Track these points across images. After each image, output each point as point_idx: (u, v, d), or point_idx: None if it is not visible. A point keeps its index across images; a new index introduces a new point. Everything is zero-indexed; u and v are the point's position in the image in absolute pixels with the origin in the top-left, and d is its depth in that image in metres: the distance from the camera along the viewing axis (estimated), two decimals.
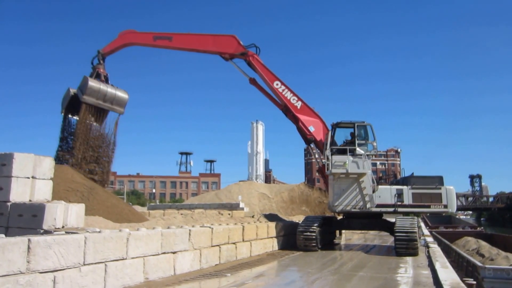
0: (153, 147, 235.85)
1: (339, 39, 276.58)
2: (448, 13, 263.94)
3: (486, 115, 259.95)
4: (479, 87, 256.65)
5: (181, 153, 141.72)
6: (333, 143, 17.10)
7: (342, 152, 16.81)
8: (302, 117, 18.53)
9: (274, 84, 18.68)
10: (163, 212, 23.12)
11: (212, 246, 11.58)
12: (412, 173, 17.85)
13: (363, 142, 17.09)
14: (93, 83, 18.06)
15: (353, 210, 16.61)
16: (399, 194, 16.67)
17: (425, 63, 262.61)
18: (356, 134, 17.09)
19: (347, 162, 16.28)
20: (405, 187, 16.80)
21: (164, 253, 9.62)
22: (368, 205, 16.45)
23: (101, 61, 19.41)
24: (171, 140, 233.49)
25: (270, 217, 19.47)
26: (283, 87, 18.69)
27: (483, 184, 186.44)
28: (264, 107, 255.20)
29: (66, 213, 9.58)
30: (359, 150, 16.76)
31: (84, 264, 7.40)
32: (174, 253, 9.97)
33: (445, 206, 16.69)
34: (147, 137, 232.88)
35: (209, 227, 11.69)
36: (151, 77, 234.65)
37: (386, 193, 16.68)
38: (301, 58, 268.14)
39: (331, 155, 16.58)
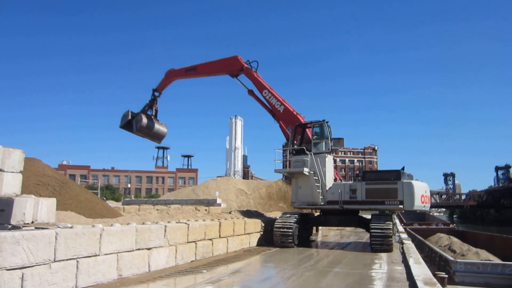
0: (129, 141, 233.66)
1: (318, 35, 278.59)
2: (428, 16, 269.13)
3: (462, 115, 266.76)
4: (456, 88, 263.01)
5: (158, 148, 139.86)
6: (293, 143, 17.99)
7: (300, 152, 17.63)
8: (283, 120, 19.38)
9: (263, 93, 19.97)
10: (138, 207, 22.78)
11: (188, 242, 11.43)
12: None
13: (319, 141, 17.62)
14: (145, 122, 22.30)
15: (306, 206, 17.54)
16: (353, 190, 16.44)
17: (404, 62, 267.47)
18: (313, 133, 17.82)
19: (303, 161, 17.05)
20: (359, 183, 16.71)
21: (138, 249, 9.42)
22: (321, 202, 16.91)
23: (155, 97, 23.21)
24: None
25: (248, 213, 19.43)
26: (269, 94, 19.73)
27: (456, 182, 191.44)
28: (243, 103, 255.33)
29: (36, 208, 9.23)
30: (316, 149, 17.42)
31: (55, 261, 7.16)
32: (149, 249, 9.78)
33: (401, 202, 15.39)
34: (122, 131, 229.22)
35: (185, 223, 11.53)
36: (128, 70, 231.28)
37: (338, 190, 16.79)
38: (276, 53, 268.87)
39: (290, 154, 17.68)
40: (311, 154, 17.21)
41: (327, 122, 17.53)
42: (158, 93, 23.31)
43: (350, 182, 17.21)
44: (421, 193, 15.60)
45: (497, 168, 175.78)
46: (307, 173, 16.84)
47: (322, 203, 16.96)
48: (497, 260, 20.88)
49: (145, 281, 8.76)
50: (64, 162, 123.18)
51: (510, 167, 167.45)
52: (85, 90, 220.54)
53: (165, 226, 10.51)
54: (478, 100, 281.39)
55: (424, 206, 15.92)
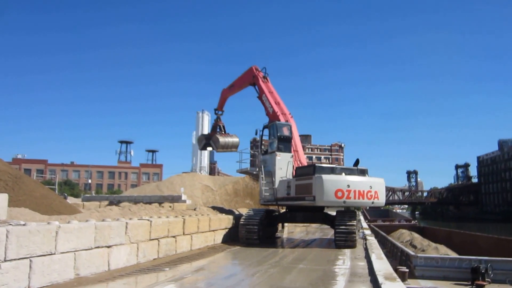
0: (90, 134, 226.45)
1: (284, 30, 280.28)
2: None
3: (424, 115, 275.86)
4: (418, 89, 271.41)
5: (121, 142, 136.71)
6: (261, 143, 19.36)
7: (266, 152, 18.84)
8: (271, 121, 19.95)
9: (262, 97, 21.06)
10: (99, 204, 22.08)
11: (150, 239, 11.13)
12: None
13: (271, 141, 18.49)
14: (222, 140, 24.50)
15: (263, 203, 18.32)
16: (289, 187, 16.78)
17: (367, 65, 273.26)
18: (269, 134, 18.74)
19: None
20: (293, 179, 16.94)
21: (98, 247, 9.07)
22: (269, 198, 17.54)
23: (218, 115, 25.72)
24: (110, 127, 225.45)
25: (213, 210, 19.28)
26: (265, 99, 20.74)
27: (419, 179, 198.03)
28: (211, 98, 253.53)
29: None
30: (270, 149, 18.43)
31: (5, 260, 6.75)
32: (109, 247, 9.43)
33: (314, 198, 15.19)
34: (83, 122, 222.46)
35: (148, 220, 11.22)
36: (90, 57, 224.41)
37: (281, 186, 17.23)
38: (241, 48, 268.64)
39: (259, 154, 18.67)
40: (261, 153, 18.51)
41: (275, 122, 18.36)
42: (220, 111, 25.83)
43: (289, 178, 17.37)
44: (337, 188, 14.98)
45: (457, 166, 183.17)
46: (254, 172, 17.57)
47: (269, 200, 17.59)
48: (454, 255, 21.67)
49: (104, 280, 8.44)
50: (19, 156, 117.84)
51: (469, 165, 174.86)
52: (41, 74, 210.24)
53: (127, 223, 10.17)
54: (440, 98, 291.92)
55: (344, 202, 15.14)
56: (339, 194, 15.02)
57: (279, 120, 18.90)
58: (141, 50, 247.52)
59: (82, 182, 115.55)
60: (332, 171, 15.99)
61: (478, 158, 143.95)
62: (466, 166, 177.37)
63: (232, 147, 25.51)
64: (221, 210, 20.69)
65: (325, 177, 15.14)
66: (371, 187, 15.57)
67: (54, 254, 7.82)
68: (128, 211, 14.18)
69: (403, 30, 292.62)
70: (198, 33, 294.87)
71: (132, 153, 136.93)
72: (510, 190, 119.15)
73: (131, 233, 10.24)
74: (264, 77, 21.61)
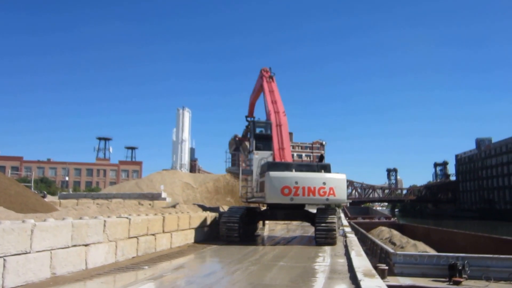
0: (67, 130, 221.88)
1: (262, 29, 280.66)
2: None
3: (403, 114, 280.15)
4: (399, 89, 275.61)
5: (99, 138, 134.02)
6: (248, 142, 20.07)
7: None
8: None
9: (264, 97, 21.12)
10: (76, 201, 21.66)
11: (129, 237, 10.98)
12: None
13: (252, 140, 18.82)
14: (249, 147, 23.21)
15: (243, 201, 18.60)
16: (257, 185, 17.18)
17: (347, 62, 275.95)
18: (249, 133, 19.23)
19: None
20: (258, 176, 17.22)
21: (75, 245, 8.89)
22: (248, 196, 17.89)
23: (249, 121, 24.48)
24: (88, 124, 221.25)
25: (194, 208, 19.15)
26: (265, 98, 20.93)
27: (398, 177, 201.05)
28: (192, 95, 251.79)
29: None
30: (250, 148, 18.81)
31: None
32: (86, 245, 9.26)
33: (265, 196, 15.32)
34: (60, 118, 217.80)
35: (127, 218, 11.06)
36: (68, 55, 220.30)
37: (254, 185, 17.63)
38: (220, 46, 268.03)
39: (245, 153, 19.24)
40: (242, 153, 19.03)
41: (252, 121, 18.59)
42: (251, 118, 25.38)
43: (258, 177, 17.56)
44: (284, 185, 14.95)
45: (435, 165, 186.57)
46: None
47: (248, 198, 17.90)
48: (433, 252, 22.08)
49: (81, 279, 8.29)
50: None
51: (447, 163, 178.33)
52: (16, 71, 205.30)
53: (105, 221, 10.01)
54: (420, 98, 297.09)
55: (291, 199, 15.06)
56: (286, 191, 14.93)
57: (269, 119, 18.90)
58: (120, 48, 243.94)
59: (59, 179, 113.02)
60: (287, 167, 15.83)
61: (456, 156, 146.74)
62: (444, 164, 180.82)
63: None
64: (202, 207, 20.59)
65: (273, 174, 15.07)
66: (325, 183, 15.22)
67: (30, 253, 7.63)
68: (106, 209, 13.98)
69: (386, 26, 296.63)
70: (178, 32, 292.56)
71: (110, 150, 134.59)
72: (486, 188, 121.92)
73: (110, 231, 10.08)
74: (270, 77, 21.57)
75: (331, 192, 15.24)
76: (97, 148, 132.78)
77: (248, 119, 25.13)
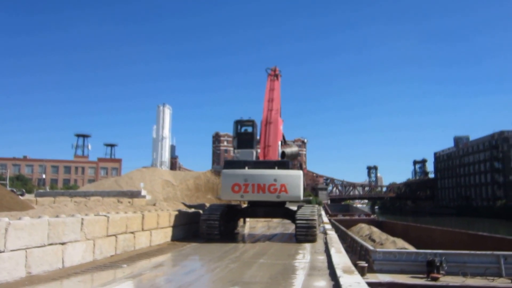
0: (44, 126, 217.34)
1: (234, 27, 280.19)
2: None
3: (383, 111, 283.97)
4: (381, 83, 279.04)
5: (77, 135, 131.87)
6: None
7: None
8: None
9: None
10: (53, 200, 21.22)
11: (108, 236, 10.82)
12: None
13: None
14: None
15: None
16: None
17: (328, 59, 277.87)
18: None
19: None
20: None
21: (51, 244, 8.71)
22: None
23: None
24: (66, 120, 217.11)
25: (174, 205, 19.01)
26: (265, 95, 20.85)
27: (378, 175, 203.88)
28: (173, 93, 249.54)
29: None
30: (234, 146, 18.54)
31: None
32: (63, 244, 9.08)
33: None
34: (37, 114, 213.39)
35: (105, 216, 10.90)
36: (48, 53, 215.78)
37: None
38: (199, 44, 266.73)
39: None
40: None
41: (237, 121, 18.29)
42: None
43: None
44: (234, 182, 15.12)
45: (415, 162, 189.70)
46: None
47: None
48: (411, 248, 22.46)
49: (58, 278, 8.13)
50: None
51: (426, 161, 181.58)
52: None
53: (82, 219, 9.84)
54: (400, 97, 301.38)
55: (241, 196, 15.19)
56: (236, 188, 15.12)
57: (262, 116, 18.92)
58: (100, 48, 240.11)
59: (35, 177, 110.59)
60: (244, 165, 15.87)
61: (435, 154, 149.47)
62: (423, 162, 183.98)
63: (291, 157, 25.41)
64: (182, 205, 20.45)
65: (225, 171, 15.23)
66: (276, 180, 15.18)
67: (4, 252, 7.45)
68: (84, 206, 13.75)
69: (367, 22, 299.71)
70: (157, 32, 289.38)
71: (89, 147, 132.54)
72: (464, 186, 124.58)
73: (87, 229, 9.91)
74: (275, 75, 21.45)
75: (283, 189, 15.20)
76: (75, 145, 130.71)
77: None
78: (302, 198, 15.70)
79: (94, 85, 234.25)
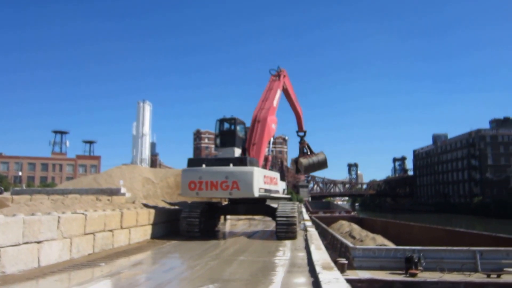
0: (21, 123, 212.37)
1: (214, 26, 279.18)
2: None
3: (364, 110, 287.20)
4: (360, 79, 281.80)
5: (55, 132, 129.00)
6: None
7: None
8: None
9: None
10: (30, 197, 20.72)
11: (85, 234, 10.65)
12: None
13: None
14: (305, 162, 24.36)
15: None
16: None
17: (307, 57, 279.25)
18: None
19: None
20: None
21: (26, 243, 8.53)
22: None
23: (301, 137, 25.27)
24: (43, 116, 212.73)
25: (154, 203, 18.82)
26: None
27: (359, 172, 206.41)
28: (153, 90, 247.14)
29: None
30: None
31: None
32: (39, 242, 8.91)
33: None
34: (12, 110, 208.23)
35: (83, 214, 10.72)
36: (28, 50, 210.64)
37: None
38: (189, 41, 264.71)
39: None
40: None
41: (219, 120, 18.02)
42: (302, 132, 25.39)
43: None
44: (190, 180, 15.28)
45: (394, 160, 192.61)
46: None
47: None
48: (391, 245, 22.71)
49: (33, 277, 7.97)
50: None
51: (405, 158, 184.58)
52: None
53: (59, 217, 9.66)
54: (380, 95, 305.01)
55: (197, 193, 15.39)
56: (192, 186, 15.25)
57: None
58: (80, 44, 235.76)
59: (11, 174, 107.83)
60: (202, 163, 15.88)
61: (414, 151, 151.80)
62: (403, 159, 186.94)
63: (320, 165, 25.30)
64: (162, 203, 20.27)
65: (184, 169, 15.46)
66: (227, 178, 15.12)
67: None
68: (61, 204, 13.47)
69: (344, 19, 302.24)
70: (138, 29, 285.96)
71: (67, 143, 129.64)
72: (442, 183, 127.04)
73: (64, 227, 9.74)
74: (277, 76, 21.49)
75: (235, 186, 15.07)
76: (53, 142, 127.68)
77: (299, 134, 25.35)
78: (256, 195, 15.34)
79: (73, 83, 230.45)
